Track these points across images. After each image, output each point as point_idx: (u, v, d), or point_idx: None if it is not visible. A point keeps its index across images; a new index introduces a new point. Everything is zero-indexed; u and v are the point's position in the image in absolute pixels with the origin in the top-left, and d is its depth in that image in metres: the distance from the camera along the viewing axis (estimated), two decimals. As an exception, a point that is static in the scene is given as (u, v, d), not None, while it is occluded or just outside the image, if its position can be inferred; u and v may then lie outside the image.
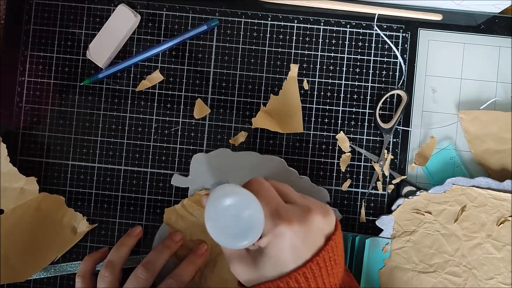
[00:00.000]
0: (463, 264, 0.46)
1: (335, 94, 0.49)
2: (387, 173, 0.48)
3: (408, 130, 0.48)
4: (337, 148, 0.49)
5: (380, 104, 0.48)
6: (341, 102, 0.49)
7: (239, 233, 0.31)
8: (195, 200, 0.47)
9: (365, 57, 0.49)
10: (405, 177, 0.48)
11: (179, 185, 0.48)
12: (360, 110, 0.49)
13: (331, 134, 0.49)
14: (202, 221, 0.46)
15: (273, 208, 0.34)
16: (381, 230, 0.47)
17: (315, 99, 0.49)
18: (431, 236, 0.46)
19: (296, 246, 0.33)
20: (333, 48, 0.49)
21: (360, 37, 0.49)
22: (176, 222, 0.47)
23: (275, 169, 0.47)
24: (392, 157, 0.48)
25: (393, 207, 0.47)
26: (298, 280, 0.32)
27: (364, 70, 0.49)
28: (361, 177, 0.48)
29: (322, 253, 0.33)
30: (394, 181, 0.48)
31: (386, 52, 0.49)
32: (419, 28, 0.49)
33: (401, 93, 0.48)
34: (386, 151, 0.48)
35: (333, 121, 0.49)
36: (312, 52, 0.49)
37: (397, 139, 0.48)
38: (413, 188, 0.47)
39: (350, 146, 0.48)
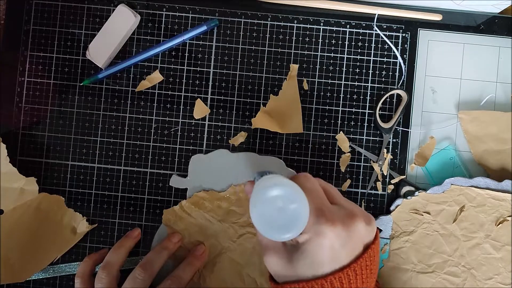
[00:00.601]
0: (462, 264, 0.46)
1: (335, 94, 0.49)
2: (386, 173, 0.48)
3: (408, 130, 0.48)
4: (337, 148, 0.49)
5: (380, 104, 0.48)
6: (341, 102, 0.49)
7: (282, 225, 0.31)
8: (193, 201, 0.47)
9: (365, 57, 0.49)
10: (404, 177, 0.48)
11: (178, 186, 0.48)
12: (360, 110, 0.49)
13: (331, 134, 0.49)
14: (201, 223, 0.47)
15: (318, 206, 0.33)
16: (380, 230, 0.47)
17: (315, 99, 0.49)
18: (430, 237, 0.46)
19: (335, 249, 0.32)
20: (332, 48, 0.49)
21: (360, 37, 0.49)
22: (174, 223, 0.47)
23: (274, 169, 0.47)
24: (392, 157, 0.48)
25: (392, 208, 0.47)
26: (333, 285, 0.32)
27: (364, 70, 0.49)
28: (360, 177, 0.48)
29: (360, 260, 0.33)
30: (393, 181, 0.48)
31: (386, 52, 0.49)
32: (419, 28, 0.49)
33: (401, 93, 0.48)
34: (385, 150, 0.48)
35: (333, 121, 0.49)
36: (312, 52, 0.49)
37: (397, 139, 0.48)
38: (412, 188, 0.47)
39: (349, 146, 0.48)
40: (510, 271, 0.45)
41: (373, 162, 0.48)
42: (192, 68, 0.49)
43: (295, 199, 0.31)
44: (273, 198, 0.31)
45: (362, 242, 0.34)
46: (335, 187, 0.38)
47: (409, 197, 0.47)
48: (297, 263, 0.33)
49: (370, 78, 0.49)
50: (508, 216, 0.45)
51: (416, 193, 0.47)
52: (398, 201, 0.47)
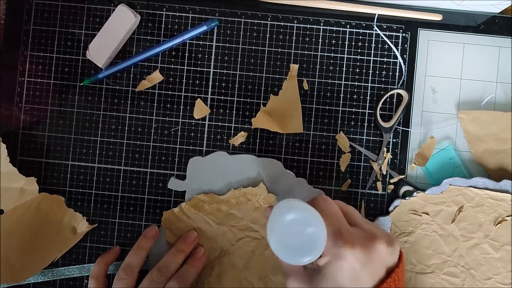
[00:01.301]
0: (461, 264, 0.46)
1: (335, 94, 0.49)
2: (385, 172, 0.48)
3: (408, 130, 0.48)
4: (337, 148, 0.49)
5: (380, 104, 0.48)
6: (341, 102, 0.49)
7: (300, 249, 0.31)
8: (193, 204, 0.47)
9: (365, 57, 0.49)
10: (403, 176, 0.48)
11: (176, 189, 0.48)
12: (360, 110, 0.49)
13: (331, 134, 0.49)
14: (200, 225, 0.47)
15: (337, 228, 0.33)
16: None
17: (315, 99, 0.49)
18: (429, 237, 0.46)
19: (355, 272, 0.32)
20: (333, 48, 0.49)
21: (360, 37, 0.49)
22: (174, 225, 0.47)
23: (272, 171, 0.47)
24: (391, 156, 0.48)
25: (390, 208, 0.47)
26: None
27: (364, 70, 0.49)
28: (361, 177, 0.48)
29: (384, 285, 0.32)
30: (392, 180, 0.48)
31: (386, 52, 0.49)
32: (419, 28, 0.49)
33: (402, 92, 0.48)
34: (385, 149, 0.48)
35: (333, 121, 0.49)
36: (312, 52, 0.49)
37: (397, 139, 0.48)
38: (411, 188, 0.47)
39: (349, 145, 0.48)
40: (509, 271, 0.45)
41: (373, 161, 0.48)
42: (192, 68, 0.49)
43: (311, 222, 0.31)
44: (290, 222, 0.31)
45: (384, 264, 0.33)
46: (355, 209, 0.37)
47: (407, 198, 0.47)
48: (319, 286, 0.33)
49: (370, 78, 0.49)
50: (507, 216, 0.45)
51: (415, 193, 0.47)
52: (397, 202, 0.47)
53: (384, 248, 0.33)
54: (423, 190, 0.47)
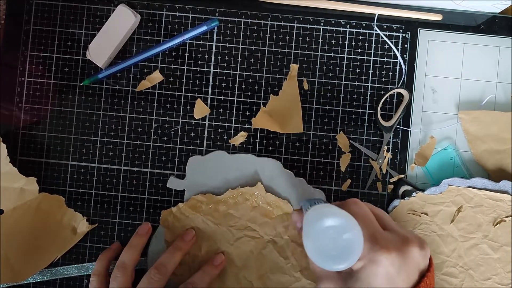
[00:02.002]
0: (459, 264, 0.46)
1: (335, 94, 0.49)
2: (384, 171, 0.48)
3: (408, 130, 0.48)
4: (337, 148, 0.49)
5: (380, 104, 0.48)
6: (341, 102, 0.49)
7: (336, 255, 0.31)
8: (190, 205, 0.47)
9: (365, 57, 0.49)
10: (402, 176, 0.48)
11: (175, 188, 0.48)
12: (360, 110, 0.49)
13: (331, 134, 0.49)
14: (198, 225, 0.47)
15: (371, 233, 0.33)
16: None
17: (315, 99, 0.49)
18: (428, 237, 0.46)
19: (391, 277, 0.32)
20: (333, 48, 0.49)
21: (360, 37, 0.49)
22: (172, 224, 0.47)
23: (271, 171, 0.47)
24: (391, 156, 0.48)
25: (389, 209, 0.47)
26: None
27: (364, 70, 0.49)
28: (361, 177, 0.48)
29: None
30: (391, 180, 0.48)
31: (386, 52, 0.49)
32: (419, 28, 0.49)
33: (403, 91, 0.48)
34: (386, 147, 0.48)
35: (333, 121, 0.49)
36: (312, 52, 0.49)
37: (397, 139, 0.48)
38: (410, 188, 0.47)
39: (349, 141, 0.48)
40: (507, 271, 0.45)
41: (373, 160, 0.48)
42: (192, 68, 0.49)
43: (348, 228, 0.31)
44: (326, 228, 0.31)
45: (417, 268, 0.33)
46: (385, 212, 0.37)
47: (406, 198, 0.47)
48: None
49: (370, 78, 0.49)
50: (506, 217, 0.45)
51: (414, 194, 0.47)
52: (396, 202, 0.47)
53: (417, 252, 0.33)
54: (423, 190, 0.47)
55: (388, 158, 0.48)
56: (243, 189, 0.46)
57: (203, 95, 0.49)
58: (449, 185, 0.46)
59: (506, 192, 0.46)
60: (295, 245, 0.46)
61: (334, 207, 0.33)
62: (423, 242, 0.34)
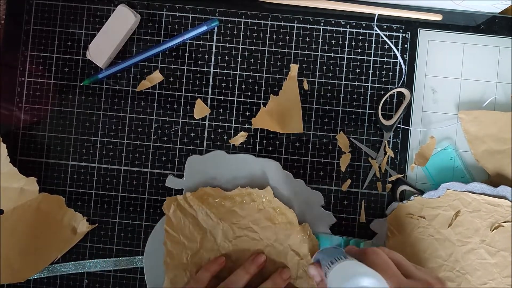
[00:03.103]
0: (456, 269, 0.46)
1: (335, 94, 0.49)
2: (383, 170, 0.48)
3: (408, 129, 0.48)
4: (337, 148, 0.49)
5: (381, 104, 0.48)
6: (341, 102, 0.49)
7: None
8: (198, 196, 0.46)
9: (365, 57, 0.49)
10: (401, 175, 0.48)
11: (174, 187, 0.48)
12: (360, 110, 0.49)
13: (331, 134, 0.49)
14: (200, 216, 0.46)
15: (396, 284, 0.33)
16: (375, 234, 0.47)
17: (315, 99, 0.49)
18: (425, 241, 0.46)
19: None
20: (333, 48, 0.49)
21: (360, 37, 0.49)
22: (174, 212, 0.46)
23: (270, 171, 0.47)
24: (392, 155, 0.48)
25: (387, 212, 0.47)
26: None
27: (364, 70, 0.49)
28: (361, 177, 0.48)
29: None
30: (390, 179, 0.48)
31: (386, 52, 0.49)
32: (419, 28, 0.49)
33: (404, 91, 0.48)
34: (386, 143, 0.48)
35: (333, 121, 0.49)
36: (312, 52, 0.49)
37: (397, 139, 0.48)
38: (408, 188, 0.47)
39: (349, 140, 0.48)
40: (504, 276, 0.45)
41: (372, 159, 0.48)
42: (192, 68, 0.49)
43: (376, 286, 0.31)
44: None
45: None
46: (402, 256, 0.37)
47: (405, 201, 0.47)
48: None
49: (370, 78, 0.49)
50: (503, 222, 0.45)
51: (412, 197, 0.47)
52: (394, 205, 0.47)
53: None
54: (421, 191, 0.47)
55: (389, 156, 0.48)
56: (252, 190, 0.46)
57: (203, 95, 0.49)
58: (447, 189, 0.46)
59: (504, 197, 0.45)
60: (294, 253, 0.46)
61: (360, 264, 0.33)
62: (443, 283, 0.35)
